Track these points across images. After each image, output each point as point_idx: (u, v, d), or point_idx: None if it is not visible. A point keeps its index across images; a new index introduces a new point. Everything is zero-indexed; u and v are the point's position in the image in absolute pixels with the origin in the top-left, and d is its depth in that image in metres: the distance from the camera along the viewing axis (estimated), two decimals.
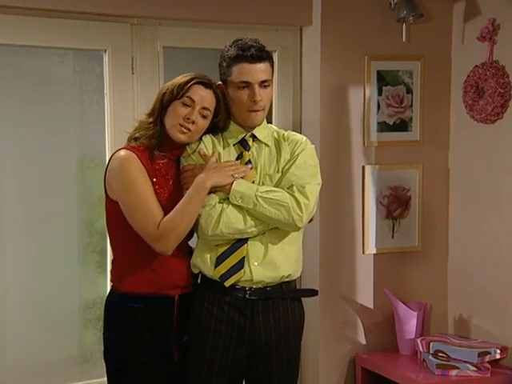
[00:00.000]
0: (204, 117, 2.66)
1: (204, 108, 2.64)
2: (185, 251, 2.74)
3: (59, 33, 3.29)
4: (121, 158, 2.63)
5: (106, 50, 3.41)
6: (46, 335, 3.55)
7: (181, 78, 2.66)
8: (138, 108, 3.34)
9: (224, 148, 2.72)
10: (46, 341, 3.56)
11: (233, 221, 2.60)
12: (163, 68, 3.49)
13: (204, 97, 2.64)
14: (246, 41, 2.64)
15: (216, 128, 2.72)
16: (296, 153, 2.70)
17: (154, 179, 2.64)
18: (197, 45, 3.58)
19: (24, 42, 3.28)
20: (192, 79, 2.64)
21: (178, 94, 2.63)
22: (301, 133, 3.49)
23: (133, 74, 3.44)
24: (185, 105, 2.63)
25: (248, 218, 2.61)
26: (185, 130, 2.63)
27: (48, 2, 3.22)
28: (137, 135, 2.70)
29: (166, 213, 2.61)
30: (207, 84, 2.66)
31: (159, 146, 2.67)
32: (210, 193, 2.63)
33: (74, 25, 3.31)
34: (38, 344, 3.53)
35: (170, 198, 2.65)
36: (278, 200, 2.60)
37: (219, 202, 2.63)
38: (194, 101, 2.63)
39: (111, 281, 2.77)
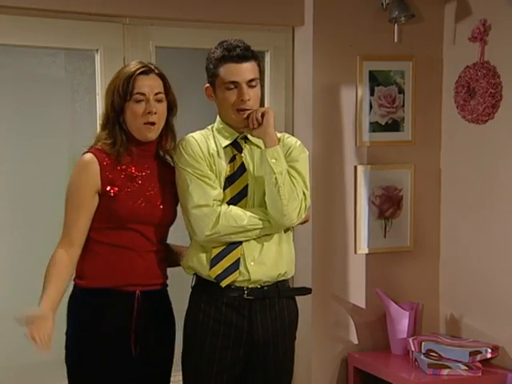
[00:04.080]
0: (160, 101, 2.61)
1: (156, 94, 2.60)
2: (150, 249, 2.65)
3: (51, 32, 3.28)
4: (80, 162, 2.60)
5: (97, 50, 3.40)
6: None
7: (121, 77, 2.59)
8: None
9: (217, 150, 2.70)
10: None
11: (231, 223, 2.60)
12: None
13: (151, 84, 2.60)
14: (231, 41, 2.64)
15: (170, 110, 2.67)
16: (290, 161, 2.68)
17: (117, 181, 2.58)
18: (189, 45, 3.58)
19: (15, 41, 3.27)
20: (132, 73, 2.58)
21: (126, 94, 2.57)
22: (293, 133, 3.50)
23: None
24: (139, 101, 2.58)
25: (245, 220, 2.61)
26: (151, 127, 2.59)
27: (40, 1, 3.20)
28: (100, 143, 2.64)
29: (140, 207, 2.58)
30: (147, 71, 2.61)
31: (126, 149, 2.61)
32: (205, 194, 2.61)
33: (66, 24, 3.30)
34: (26, 345, 3.51)
35: (140, 190, 2.61)
36: (295, 189, 2.61)
37: (217, 205, 2.62)
38: (144, 94, 2.58)
39: (74, 277, 2.68)
